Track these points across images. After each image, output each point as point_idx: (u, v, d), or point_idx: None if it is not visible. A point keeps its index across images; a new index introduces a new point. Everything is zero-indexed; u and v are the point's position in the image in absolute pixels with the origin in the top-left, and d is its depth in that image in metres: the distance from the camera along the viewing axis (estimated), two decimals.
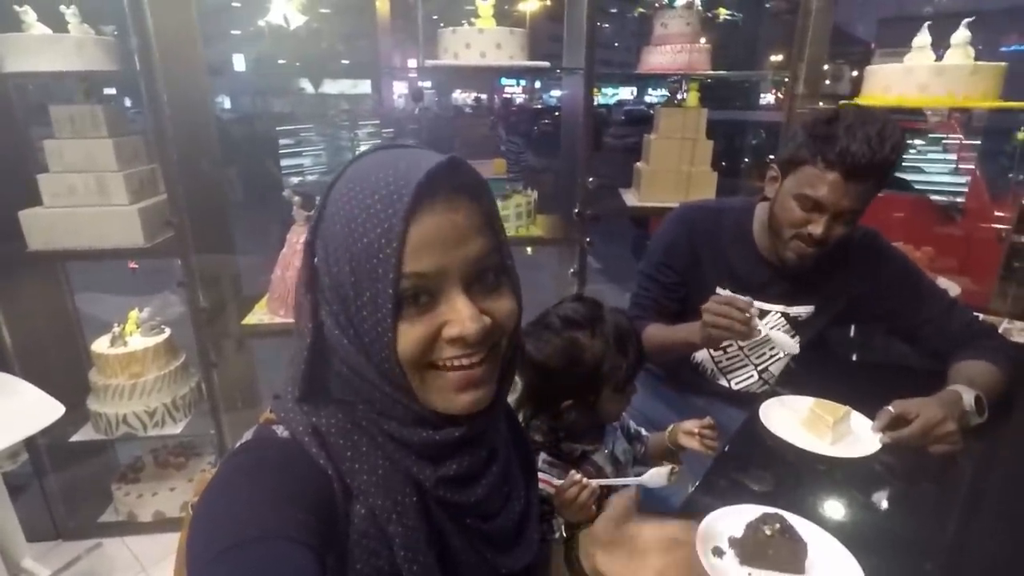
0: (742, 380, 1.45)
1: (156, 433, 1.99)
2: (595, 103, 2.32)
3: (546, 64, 2.01)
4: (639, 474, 1.11)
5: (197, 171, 1.95)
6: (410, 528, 0.57)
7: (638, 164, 2.35)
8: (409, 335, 0.52)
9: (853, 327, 1.64)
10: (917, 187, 3.91)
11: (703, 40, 2.14)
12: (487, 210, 0.57)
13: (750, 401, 1.38)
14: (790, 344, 1.15)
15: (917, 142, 4.34)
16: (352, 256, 0.52)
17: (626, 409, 1.07)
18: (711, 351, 1.44)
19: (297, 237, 1.95)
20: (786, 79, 2.06)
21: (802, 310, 1.35)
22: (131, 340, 1.98)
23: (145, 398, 1.97)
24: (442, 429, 0.57)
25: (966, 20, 1.72)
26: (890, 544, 0.84)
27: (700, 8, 2.09)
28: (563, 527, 0.88)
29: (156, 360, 1.99)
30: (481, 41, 1.85)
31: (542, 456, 0.97)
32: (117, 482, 2.18)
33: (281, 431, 0.59)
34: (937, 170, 4.06)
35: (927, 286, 1.33)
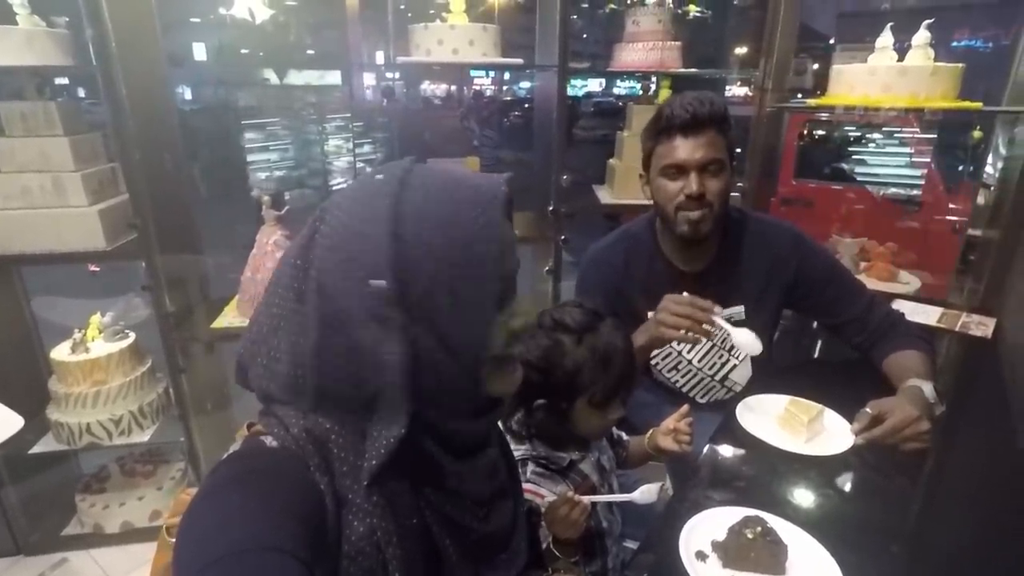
0: (706, 394, 1.48)
1: (123, 442, 1.92)
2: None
3: (519, 61, 2.00)
4: (621, 480, 1.13)
5: (160, 169, 1.88)
6: (408, 551, 0.57)
7: (611, 160, 2.37)
8: (499, 329, 0.59)
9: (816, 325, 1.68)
10: (874, 181, 4.04)
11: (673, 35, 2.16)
12: None
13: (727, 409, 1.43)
14: (752, 344, 1.13)
15: (875, 136, 4.47)
16: (457, 276, 0.54)
17: (610, 429, 1.07)
18: (664, 374, 1.48)
19: (267, 237, 1.90)
20: (756, 73, 2.09)
21: (732, 311, 1.38)
22: (93, 346, 1.91)
23: (110, 406, 1.90)
24: (488, 413, 0.64)
25: (926, 22, 1.77)
26: (864, 537, 0.87)
27: (671, 5, 2.10)
28: (550, 539, 0.88)
29: (121, 366, 1.92)
30: (453, 38, 1.83)
31: (530, 467, 0.97)
32: (81, 493, 2.10)
33: (270, 441, 0.58)
34: (894, 163, 4.19)
35: (849, 283, 1.39)
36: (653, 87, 2.39)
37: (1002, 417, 1.22)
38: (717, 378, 1.45)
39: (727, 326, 1.13)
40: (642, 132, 1.33)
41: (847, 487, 1.00)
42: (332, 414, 0.58)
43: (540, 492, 0.93)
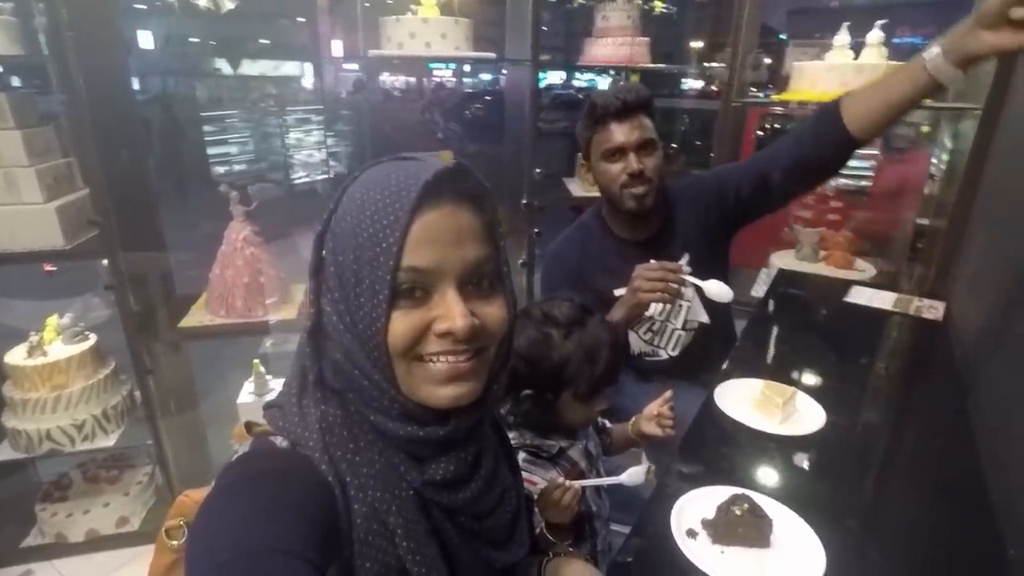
0: (675, 343, 1.55)
1: (87, 447, 1.86)
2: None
3: (492, 56, 2.01)
4: (604, 466, 1.16)
5: (119, 163, 1.81)
6: (410, 521, 0.58)
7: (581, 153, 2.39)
8: (400, 324, 0.55)
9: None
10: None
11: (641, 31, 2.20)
12: (489, 219, 0.60)
13: (696, 366, 1.53)
14: (723, 291, 1.25)
15: None
16: (357, 245, 0.54)
17: (594, 420, 1.10)
18: (640, 335, 1.54)
19: (236, 234, 1.87)
20: (721, 68, 2.15)
21: (682, 264, 1.44)
22: (51, 349, 1.83)
23: (71, 410, 1.83)
24: (427, 427, 0.58)
25: (879, 22, 1.87)
26: (836, 509, 0.93)
27: (639, 1, 2.14)
28: (543, 524, 0.91)
29: (82, 369, 1.85)
30: (426, 31, 1.82)
31: (521, 455, 0.99)
32: (41, 502, 2.02)
33: (280, 441, 0.59)
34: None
35: (732, 165, 1.54)
36: (622, 82, 2.44)
37: (954, 394, 1.30)
38: (680, 325, 1.53)
39: (697, 280, 1.26)
40: (578, 125, 1.46)
41: (819, 463, 1.06)
42: (329, 399, 0.60)
43: (532, 479, 0.95)
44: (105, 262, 1.74)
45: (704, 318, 1.50)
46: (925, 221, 2.20)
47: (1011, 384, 1.16)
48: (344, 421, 0.59)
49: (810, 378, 1.31)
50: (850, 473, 1.05)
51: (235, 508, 0.51)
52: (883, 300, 1.73)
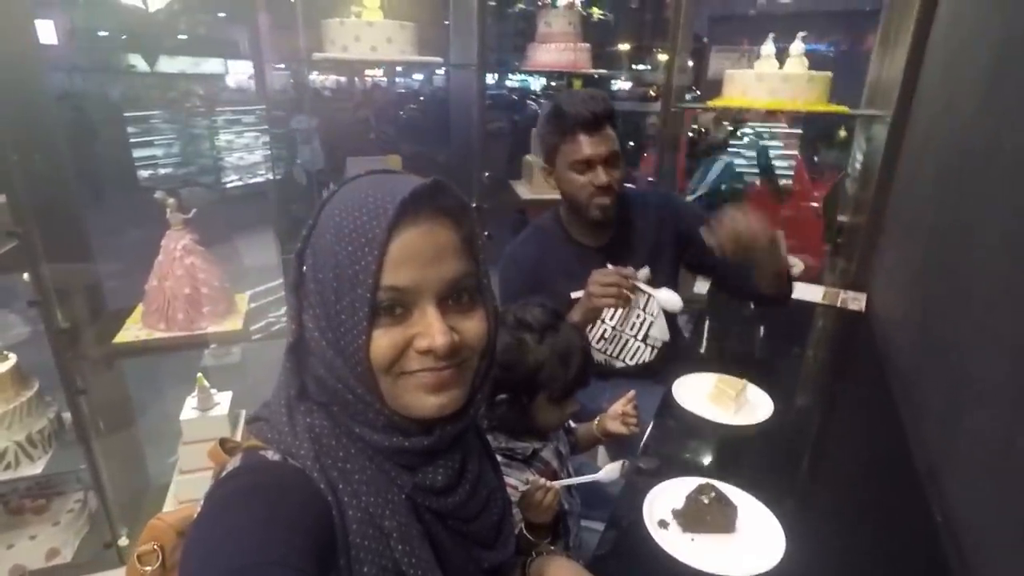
0: (632, 354, 1.59)
1: (10, 476, 1.70)
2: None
3: (439, 60, 2.00)
4: (572, 465, 1.20)
5: (39, 168, 1.67)
6: (403, 524, 0.59)
7: (528, 157, 2.43)
8: (381, 342, 0.55)
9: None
10: (750, 172, 4.44)
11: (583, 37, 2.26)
12: (468, 234, 0.61)
13: (654, 371, 1.56)
14: (673, 300, 1.33)
15: (750, 131, 4.93)
16: (337, 263, 0.55)
17: (566, 421, 1.13)
18: (594, 344, 1.57)
19: (175, 243, 1.77)
20: (659, 75, 2.24)
21: (642, 274, 1.49)
22: None
23: None
24: (411, 437, 0.59)
25: (800, 34, 2.00)
26: (786, 489, 1.00)
27: (581, 9, 2.20)
28: (522, 523, 0.93)
29: (1, 392, 1.70)
30: (371, 35, 1.79)
31: (497, 459, 1.00)
32: None
33: (271, 455, 0.58)
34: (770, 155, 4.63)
35: None
36: (563, 86, 2.49)
37: (878, 377, 1.43)
38: (639, 337, 1.56)
39: (649, 288, 1.32)
40: (543, 128, 1.46)
41: (772, 449, 1.14)
42: (316, 411, 0.60)
43: (510, 482, 0.97)
44: (27, 276, 1.61)
45: (667, 336, 1.55)
46: (845, 218, 2.38)
47: (926, 366, 1.29)
48: (332, 431, 0.60)
49: (756, 369, 1.40)
50: (798, 456, 1.14)
51: (229, 521, 0.51)
52: (814, 294, 1.87)
